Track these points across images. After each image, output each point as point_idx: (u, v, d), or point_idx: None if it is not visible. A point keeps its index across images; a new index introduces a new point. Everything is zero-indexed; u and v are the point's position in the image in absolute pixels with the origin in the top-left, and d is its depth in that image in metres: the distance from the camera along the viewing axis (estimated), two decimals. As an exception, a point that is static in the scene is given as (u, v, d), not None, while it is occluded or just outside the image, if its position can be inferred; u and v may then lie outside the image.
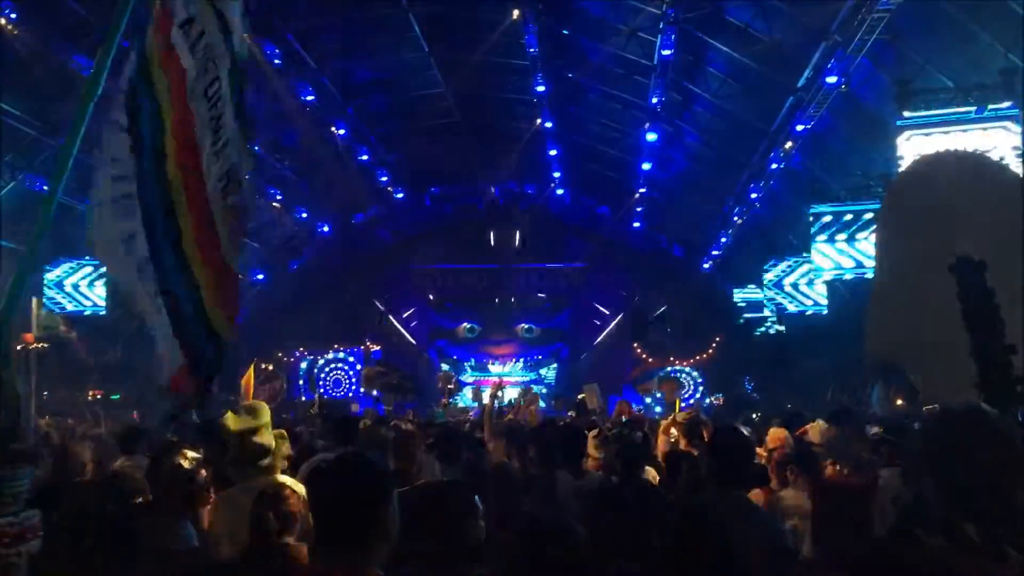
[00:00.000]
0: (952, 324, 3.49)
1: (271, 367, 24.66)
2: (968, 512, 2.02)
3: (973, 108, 16.20)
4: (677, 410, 10.80)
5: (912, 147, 16.67)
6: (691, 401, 29.27)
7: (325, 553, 2.54)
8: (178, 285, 3.14)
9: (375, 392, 24.91)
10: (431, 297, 34.27)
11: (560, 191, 31.42)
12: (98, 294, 24.03)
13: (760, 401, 25.39)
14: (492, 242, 33.47)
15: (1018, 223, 3.66)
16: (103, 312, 24.08)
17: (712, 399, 28.49)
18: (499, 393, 12.20)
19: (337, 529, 2.54)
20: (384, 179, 29.31)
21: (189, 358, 3.18)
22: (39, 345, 10.92)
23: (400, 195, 31.15)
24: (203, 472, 4.68)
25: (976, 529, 1.99)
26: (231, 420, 4.96)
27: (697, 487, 4.79)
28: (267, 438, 4.96)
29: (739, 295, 28.98)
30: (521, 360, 34.10)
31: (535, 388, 28.36)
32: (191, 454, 4.76)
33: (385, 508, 2.60)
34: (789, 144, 21.06)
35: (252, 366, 16.17)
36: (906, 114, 16.82)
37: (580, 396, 18.25)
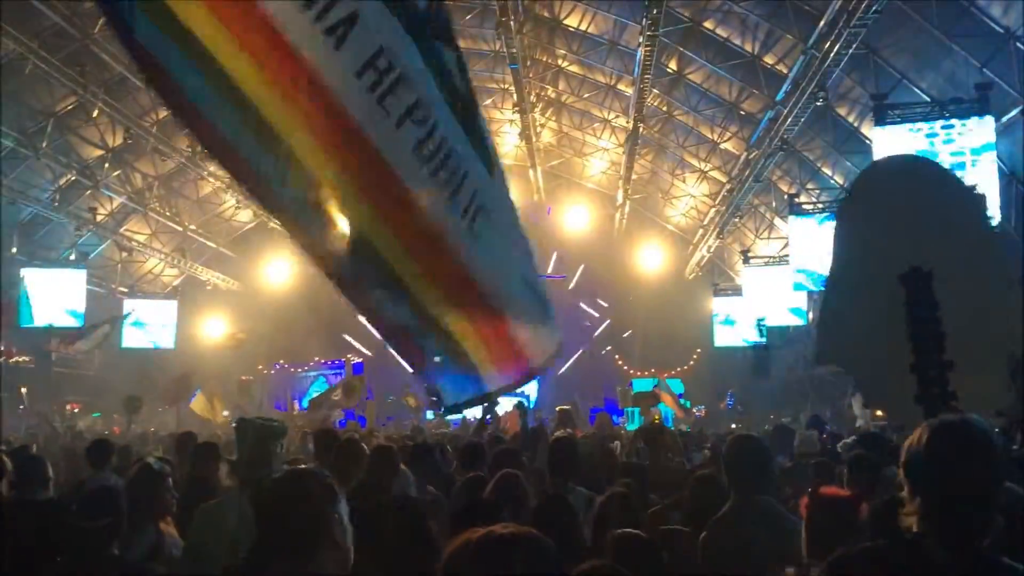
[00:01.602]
0: (896, 334, 3.52)
1: (246, 379, 24.59)
2: (951, 522, 2.04)
3: (949, 122, 16.35)
4: (658, 420, 10.84)
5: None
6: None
7: (270, 562, 2.55)
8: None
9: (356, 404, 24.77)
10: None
11: (541, 204, 31.47)
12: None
13: (743, 414, 25.46)
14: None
15: (967, 231, 3.75)
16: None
17: (695, 411, 28.52)
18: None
19: (281, 538, 2.57)
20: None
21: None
22: (22, 360, 10.86)
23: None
24: (168, 479, 4.68)
25: (951, 539, 2.02)
26: (252, 422, 4.98)
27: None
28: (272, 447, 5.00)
29: (719, 304, 29.12)
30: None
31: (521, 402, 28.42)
32: (156, 462, 4.76)
33: (329, 518, 2.61)
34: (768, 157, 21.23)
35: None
36: (882, 128, 16.98)
37: (563, 407, 18.28)
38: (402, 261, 2.49)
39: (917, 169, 4.51)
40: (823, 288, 3.56)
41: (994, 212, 15.52)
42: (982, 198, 4.04)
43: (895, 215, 3.77)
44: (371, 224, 2.40)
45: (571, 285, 33.69)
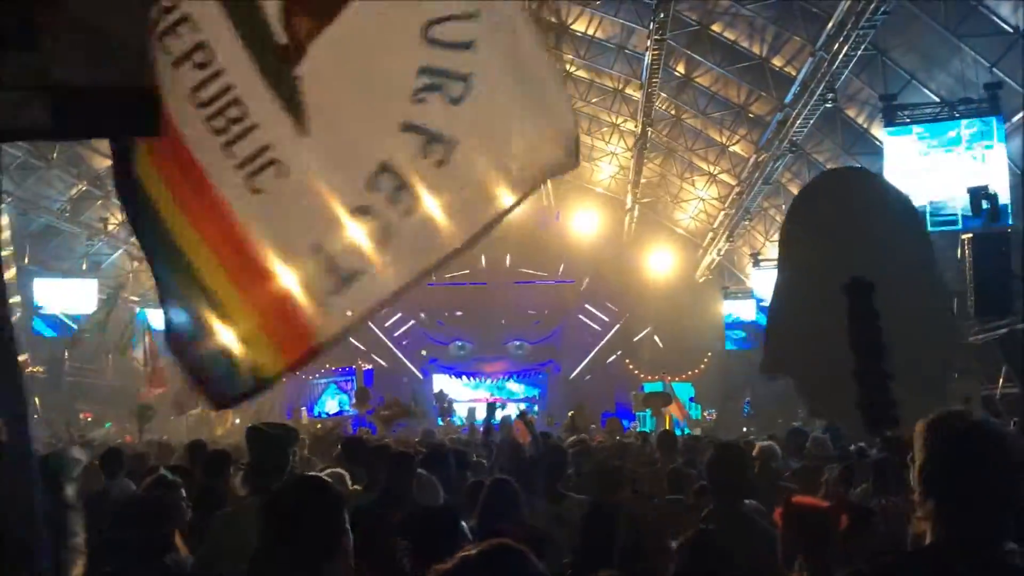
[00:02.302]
0: (839, 344, 3.60)
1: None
2: (969, 525, 2.03)
3: (958, 122, 16.30)
4: (668, 425, 10.82)
5: (899, 161, 16.82)
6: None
7: (279, 571, 2.54)
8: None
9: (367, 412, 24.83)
10: (422, 315, 34.20)
11: (551, 208, 31.45)
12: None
13: (753, 417, 25.37)
14: (483, 259, 33.48)
15: (906, 241, 3.82)
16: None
17: (705, 414, 28.45)
18: (495, 412, 12.17)
19: (290, 547, 2.54)
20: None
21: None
22: (34, 370, 10.88)
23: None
24: (181, 494, 4.65)
25: (971, 544, 1.99)
26: (264, 428, 4.98)
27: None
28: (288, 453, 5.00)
29: (729, 307, 29.06)
30: (512, 378, 34.08)
31: (525, 406, 28.52)
32: (171, 478, 4.74)
33: (338, 528, 2.62)
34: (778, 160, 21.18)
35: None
36: (892, 129, 16.95)
37: (570, 415, 18.33)
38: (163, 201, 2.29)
39: (856, 181, 4.62)
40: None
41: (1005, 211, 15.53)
42: (916, 209, 4.15)
43: (837, 227, 3.83)
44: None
45: (580, 290, 33.68)
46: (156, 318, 29.66)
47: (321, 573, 2.56)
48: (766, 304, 26.01)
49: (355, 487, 5.61)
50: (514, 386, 33.93)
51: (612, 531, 3.87)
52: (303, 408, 27.44)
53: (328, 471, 5.66)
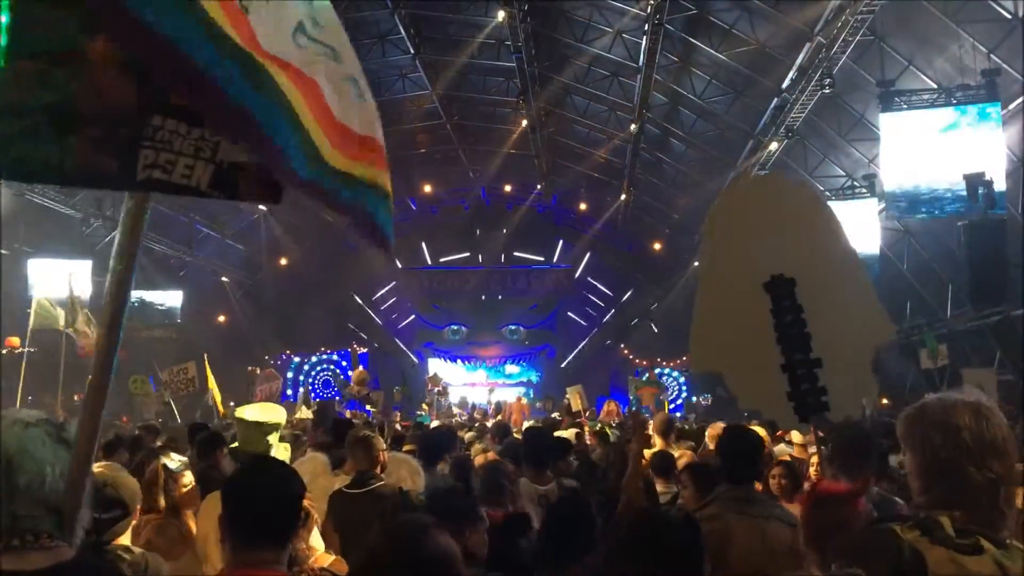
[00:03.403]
0: (765, 338, 3.79)
1: (269, 371, 24.53)
2: (957, 506, 2.05)
3: (955, 108, 16.28)
4: (666, 410, 10.86)
5: (895, 147, 16.83)
6: (679, 401, 29.41)
7: (243, 550, 2.53)
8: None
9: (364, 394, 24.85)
10: (418, 298, 34.24)
11: (546, 193, 31.45)
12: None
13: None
14: (478, 243, 33.49)
15: (824, 237, 3.99)
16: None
17: (700, 399, 28.55)
18: (488, 396, 12.21)
19: (258, 527, 2.55)
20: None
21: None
22: (26, 350, 10.86)
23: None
24: (188, 475, 4.65)
25: (954, 523, 2.02)
26: (246, 412, 4.99)
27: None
28: (274, 438, 5.00)
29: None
30: (508, 361, 34.14)
31: (522, 391, 28.62)
32: (177, 456, 4.74)
33: (298, 505, 2.69)
34: (774, 145, 21.13)
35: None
36: (889, 114, 16.93)
37: (565, 398, 18.36)
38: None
39: (775, 186, 4.87)
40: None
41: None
42: (826, 203, 4.45)
43: (755, 229, 4.03)
44: None
45: (577, 274, 33.70)
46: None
47: (287, 549, 2.61)
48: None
49: (336, 472, 5.59)
50: (512, 368, 34.00)
51: (580, 516, 3.96)
52: (301, 391, 27.44)
53: (309, 456, 5.67)
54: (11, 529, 1.89)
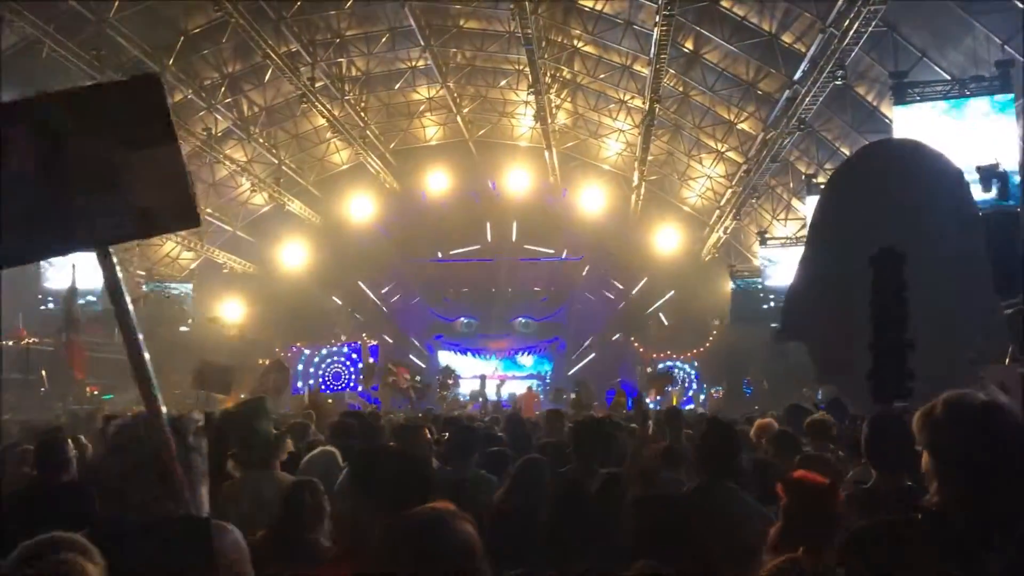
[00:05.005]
0: (862, 315, 3.54)
1: (278, 360, 24.60)
2: (973, 502, 2.03)
3: (969, 99, 16.15)
4: (675, 403, 10.83)
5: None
6: (689, 394, 29.33)
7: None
8: None
9: (372, 387, 24.97)
10: (427, 291, 34.20)
11: (556, 185, 31.35)
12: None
13: (759, 396, 25.35)
14: (489, 235, 33.44)
15: (953, 211, 3.73)
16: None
17: (713, 392, 28.47)
18: (499, 388, 12.23)
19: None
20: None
21: None
22: (36, 341, 10.89)
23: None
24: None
25: (967, 517, 2.00)
26: (228, 403, 4.99)
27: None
28: (266, 428, 4.97)
29: (738, 283, 28.96)
30: (520, 353, 34.09)
31: (534, 384, 28.65)
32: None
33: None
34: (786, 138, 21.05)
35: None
36: (902, 106, 16.81)
37: (575, 391, 18.39)
38: None
39: (903, 152, 4.54)
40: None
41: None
42: (965, 182, 4.06)
43: (876, 198, 3.77)
44: None
45: (586, 267, 33.61)
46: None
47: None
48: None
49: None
50: (526, 360, 33.96)
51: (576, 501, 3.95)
52: (311, 383, 27.49)
53: (320, 450, 5.68)
54: None
